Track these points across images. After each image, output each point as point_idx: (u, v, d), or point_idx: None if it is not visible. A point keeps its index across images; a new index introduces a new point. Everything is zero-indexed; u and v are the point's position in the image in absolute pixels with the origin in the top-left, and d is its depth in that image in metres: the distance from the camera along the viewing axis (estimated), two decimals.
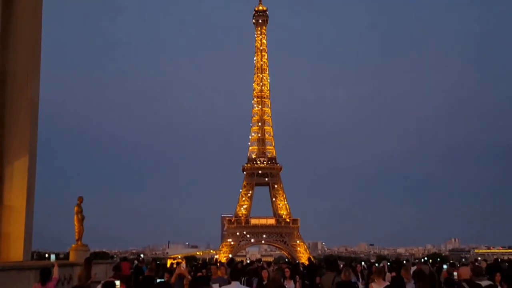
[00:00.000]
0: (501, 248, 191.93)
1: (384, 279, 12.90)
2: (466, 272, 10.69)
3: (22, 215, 22.04)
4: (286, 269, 15.49)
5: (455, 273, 11.50)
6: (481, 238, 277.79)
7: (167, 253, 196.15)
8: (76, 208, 24.66)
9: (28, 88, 23.65)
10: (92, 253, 30.24)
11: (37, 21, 24.80)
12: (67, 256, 29.66)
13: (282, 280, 13.64)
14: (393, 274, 15.91)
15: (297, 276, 15.35)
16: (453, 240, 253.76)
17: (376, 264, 25.99)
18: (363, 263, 32.31)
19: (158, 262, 28.05)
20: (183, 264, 24.15)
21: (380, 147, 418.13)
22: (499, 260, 24.38)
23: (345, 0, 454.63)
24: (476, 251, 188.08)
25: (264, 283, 14.83)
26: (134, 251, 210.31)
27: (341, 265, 19.75)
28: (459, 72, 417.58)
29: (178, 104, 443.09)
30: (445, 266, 16.44)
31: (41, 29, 25.04)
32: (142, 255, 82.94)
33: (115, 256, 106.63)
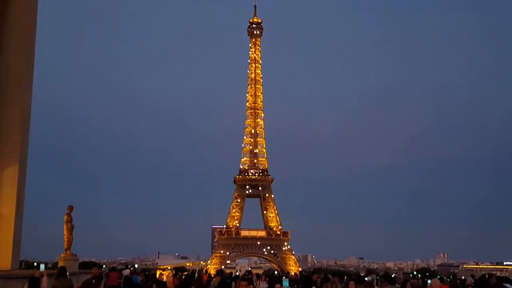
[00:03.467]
0: (489, 264, 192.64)
1: None
2: (436, 283, 11.87)
3: (11, 224, 21.85)
4: (277, 286, 14.19)
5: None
6: (469, 254, 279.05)
7: (156, 263, 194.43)
8: (65, 217, 24.50)
9: (20, 93, 23.54)
10: (80, 263, 29.96)
11: (32, 27, 24.80)
12: (55, 265, 29.36)
13: None
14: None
15: None
16: (442, 255, 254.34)
17: (366, 278, 26.03)
18: (345, 277, 32.23)
19: (147, 273, 27.87)
20: (170, 275, 23.97)
21: (371, 162, 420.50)
22: (486, 276, 24.58)
23: (338, 12, 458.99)
24: (465, 266, 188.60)
25: None
26: (123, 261, 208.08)
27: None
28: (453, 84, 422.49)
29: (171, 113, 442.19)
30: (429, 281, 16.69)
31: (35, 34, 25.03)
32: (136, 265, 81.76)
33: (104, 266, 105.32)
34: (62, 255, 24.61)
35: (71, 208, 24.65)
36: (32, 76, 24.89)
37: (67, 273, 16.97)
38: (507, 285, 16.77)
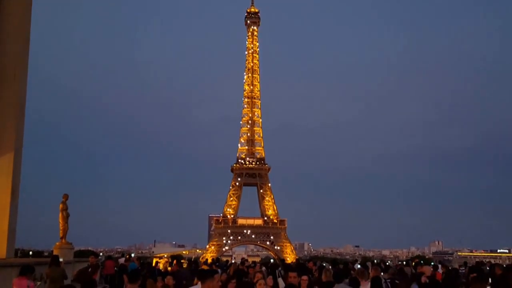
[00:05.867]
0: (483, 251, 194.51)
1: (367, 280, 13.06)
2: (427, 269, 11.98)
3: (6, 212, 21.86)
4: (304, 278, 11.46)
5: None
6: (464, 241, 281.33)
7: (153, 252, 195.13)
8: (61, 206, 24.52)
9: (15, 82, 23.40)
10: (76, 251, 30.08)
11: (27, 15, 24.59)
12: (51, 254, 29.42)
13: None
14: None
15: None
16: (436, 242, 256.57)
17: (359, 266, 26.22)
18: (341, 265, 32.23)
19: (142, 261, 27.98)
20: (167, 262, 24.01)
21: (368, 151, 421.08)
22: (480, 261, 24.92)
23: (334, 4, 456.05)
24: (459, 253, 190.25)
25: None
26: (119, 249, 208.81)
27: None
28: (460, 78, 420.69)
29: (169, 101, 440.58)
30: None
31: (30, 22, 24.85)
32: (132, 254, 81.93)
33: (100, 254, 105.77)
34: (57, 243, 24.67)
35: (66, 196, 24.67)
36: (27, 64, 24.75)
37: (61, 262, 17.03)
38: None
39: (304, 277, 11.47)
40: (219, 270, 18.96)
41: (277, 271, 17.38)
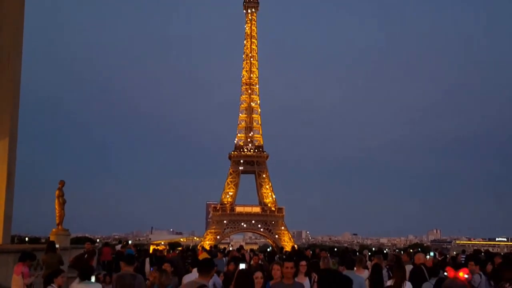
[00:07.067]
0: (481, 239, 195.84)
1: (364, 267, 13.04)
2: (420, 257, 11.97)
3: (2, 199, 21.79)
4: (303, 263, 11.13)
5: None
6: (462, 230, 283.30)
7: (150, 239, 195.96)
8: (57, 192, 24.44)
9: (9, 68, 23.14)
10: (73, 238, 30.09)
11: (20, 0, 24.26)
12: (48, 240, 29.37)
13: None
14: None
15: (314, 274, 10.95)
16: (434, 231, 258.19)
17: (357, 253, 26.31)
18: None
19: (138, 248, 27.99)
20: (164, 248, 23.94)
21: (366, 139, 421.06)
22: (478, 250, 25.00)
23: None
24: (457, 242, 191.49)
25: None
26: (117, 236, 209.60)
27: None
28: (462, 62, 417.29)
29: (165, 88, 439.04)
30: (429, 256, 16.81)
31: (24, 7, 24.51)
32: (130, 241, 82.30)
33: (97, 241, 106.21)
34: (53, 230, 24.64)
35: (62, 183, 24.57)
36: (21, 49, 24.45)
37: (58, 248, 16.93)
38: None
39: (303, 263, 10.92)
40: (224, 259, 18.82)
41: (276, 257, 17.34)
